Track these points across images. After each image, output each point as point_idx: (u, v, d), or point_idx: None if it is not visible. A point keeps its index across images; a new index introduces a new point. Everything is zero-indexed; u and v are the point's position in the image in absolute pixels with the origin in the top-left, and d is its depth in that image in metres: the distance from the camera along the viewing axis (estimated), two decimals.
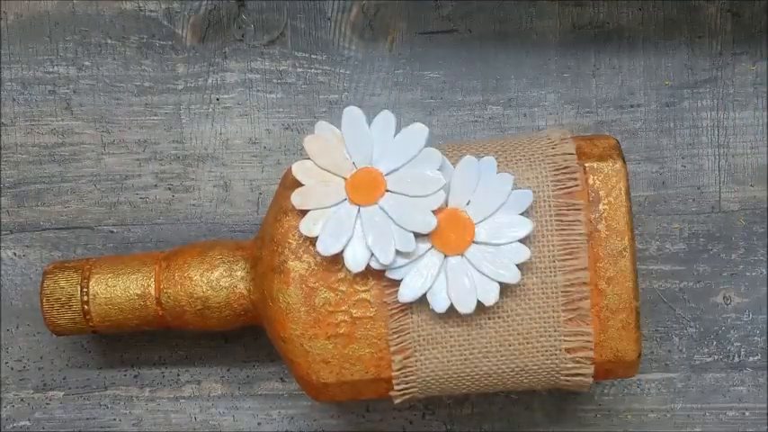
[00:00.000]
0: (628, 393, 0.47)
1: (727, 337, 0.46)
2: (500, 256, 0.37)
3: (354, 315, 0.38)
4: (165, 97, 0.47)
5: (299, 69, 0.47)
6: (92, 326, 0.42)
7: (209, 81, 0.47)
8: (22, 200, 0.47)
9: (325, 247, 0.37)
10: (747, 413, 0.46)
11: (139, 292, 0.41)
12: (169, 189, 0.47)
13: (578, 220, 0.37)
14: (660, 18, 0.46)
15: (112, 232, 0.47)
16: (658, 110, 0.46)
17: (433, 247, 0.37)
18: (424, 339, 0.38)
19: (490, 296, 0.37)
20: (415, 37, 0.46)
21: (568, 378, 0.38)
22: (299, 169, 0.39)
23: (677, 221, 0.47)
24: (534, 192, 0.37)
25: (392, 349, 0.38)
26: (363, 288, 0.38)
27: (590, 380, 0.38)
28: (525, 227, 0.37)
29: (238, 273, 0.41)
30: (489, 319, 0.37)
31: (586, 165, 0.38)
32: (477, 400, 0.47)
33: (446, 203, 0.37)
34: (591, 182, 0.38)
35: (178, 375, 0.47)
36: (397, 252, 0.37)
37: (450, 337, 0.38)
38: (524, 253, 0.37)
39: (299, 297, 0.38)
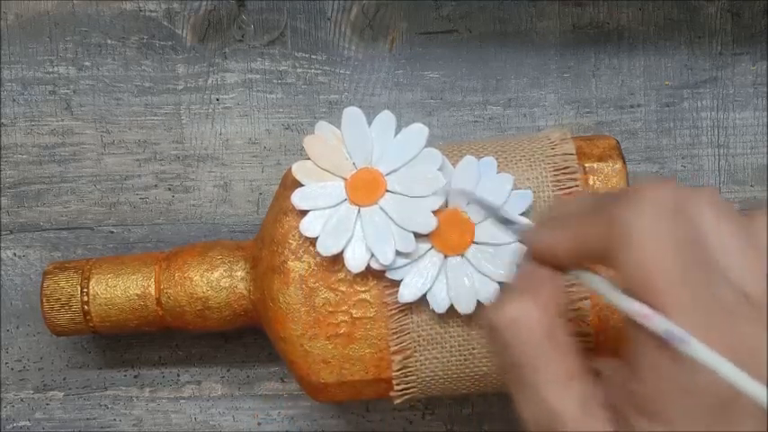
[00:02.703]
0: None
1: None
2: (500, 257, 0.37)
3: (354, 315, 0.38)
4: (165, 97, 0.47)
5: (299, 69, 0.46)
6: (92, 326, 0.42)
7: (209, 81, 0.46)
8: (22, 200, 0.47)
9: (326, 248, 0.37)
10: None
11: (139, 293, 0.41)
12: (169, 189, 0.47)
13: None
14: (660, 18, 0.46)
15: (112, 232, 0.47)
16: (658, 110, 0.46)
17: (433, 247, 0.37)
18: (423, 339, 0.38)
19: (490, 296, 0.37)
20: (415, 37, 0.46)
21: None
22: (299, 169, 0.39)
23: None
24: (534, 192, 0.37)
25: (392, 349, 0.38)
26: (363, 288, 0.38)
27: None
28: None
29: (238, 273, 0.41)
30: None
31: (586, 165, 0.38)
32: (477, 400, 0.47)
33: (446, 204, 0.37)
34: (591, 182, 0.38)
35: (178, 375, 0.47)
36: (397, 252, 0.37)
37: (450, 337, 0.38)
38: None
39: (299, 297, 0.38)
